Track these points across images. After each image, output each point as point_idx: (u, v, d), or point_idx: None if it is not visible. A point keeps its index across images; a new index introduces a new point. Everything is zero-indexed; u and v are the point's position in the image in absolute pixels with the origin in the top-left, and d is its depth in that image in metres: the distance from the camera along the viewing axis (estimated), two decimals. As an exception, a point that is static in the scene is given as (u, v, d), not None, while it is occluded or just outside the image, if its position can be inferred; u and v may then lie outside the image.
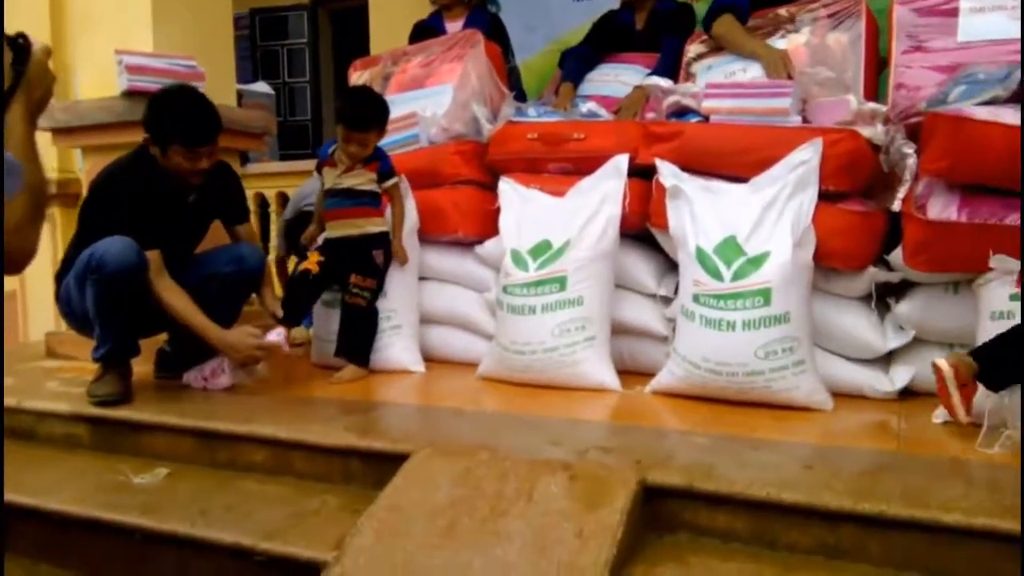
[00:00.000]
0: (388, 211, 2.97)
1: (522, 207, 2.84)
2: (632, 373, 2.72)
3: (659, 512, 1.78)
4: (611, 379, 2.60)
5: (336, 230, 2.89)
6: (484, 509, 1.77)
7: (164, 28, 3.37)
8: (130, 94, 3.13)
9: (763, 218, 2.38)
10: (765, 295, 2.29)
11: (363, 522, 1.80)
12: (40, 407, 2.67)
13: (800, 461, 1.90)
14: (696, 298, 2.39)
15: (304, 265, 2.92)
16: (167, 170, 2.61)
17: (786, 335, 2.29)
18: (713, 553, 1.71)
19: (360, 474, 2.13)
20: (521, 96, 3.54)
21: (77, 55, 3.48)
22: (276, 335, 2.73)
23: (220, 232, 2.96)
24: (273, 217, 4.84)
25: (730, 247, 2.37)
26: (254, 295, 2.93)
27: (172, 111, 2.58)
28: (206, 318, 2.66)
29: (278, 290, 3.24)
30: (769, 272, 2.30)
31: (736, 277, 2.33)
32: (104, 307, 2.52)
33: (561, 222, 2.69)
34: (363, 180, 2.86)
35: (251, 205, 5.56)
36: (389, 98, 3.47)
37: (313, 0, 7.64)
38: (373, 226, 2.89)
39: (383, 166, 2.88)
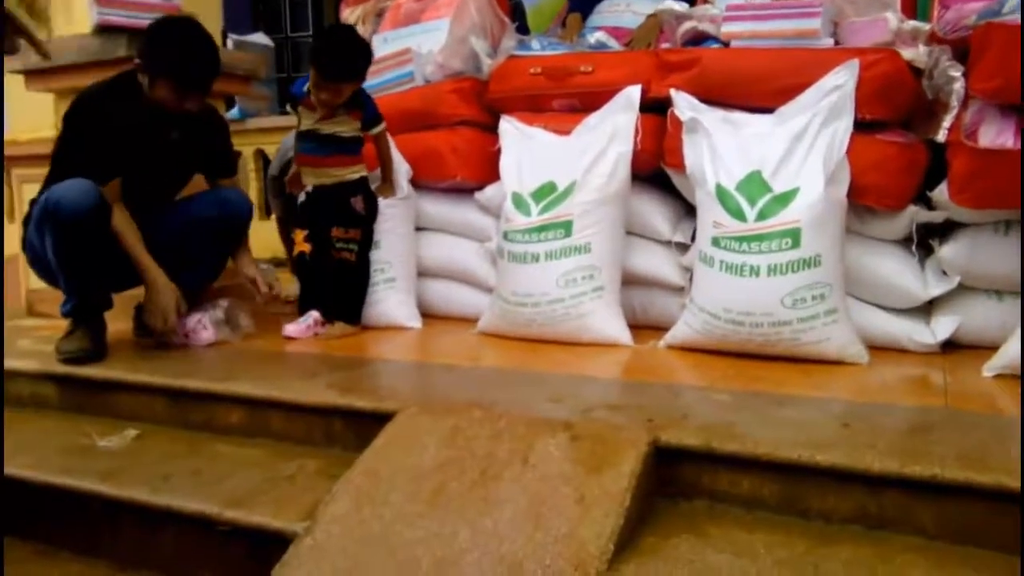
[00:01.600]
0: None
1: (524, 146, 2.60)
2: (644, 328, 2.50)
3: (673, 476, 1.56)
4: (621, 333, 2.37)
5: (310, 177, 2.67)
6: (474, 473, 1.56)
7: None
8: (102, 30, 2.90)
9: (791, 151, 2.12)
10: (793, 236, 2.04)
11: (339, 488, 1.60)
12: (6, 366, 2.48)
13: (835, 419, 1.67)
14: (716, 241, 2.15)
15: (296, 249, 2.71)
16: (150, 101, 2.39)
17: (816, 280, 2.05)
18: (736, 523, 1.49)
19: (343, 436, 1.93)
20: (524, 32, 3.27)
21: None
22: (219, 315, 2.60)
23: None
24: (275, 175, 4.61)
25: (754, 184, 2.12)
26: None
27: (170, 44, 2.35)
28: (150, 257, 2.45)
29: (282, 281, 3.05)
30: (798, 210, 2.06)
31: (761, 217, 2.08)
32: (65, 256, 2.32)
33: (566, 162, 2.45)
34: (346, 128, 2.61)
35: (251, 162, 5.39)
36: (382, 35, 3.24)
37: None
38: (351, 173, 2.66)
39: (368, 113, 2.63)
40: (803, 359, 2.09)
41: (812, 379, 1.98)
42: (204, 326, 2.57)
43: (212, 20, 3.47)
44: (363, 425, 1.85)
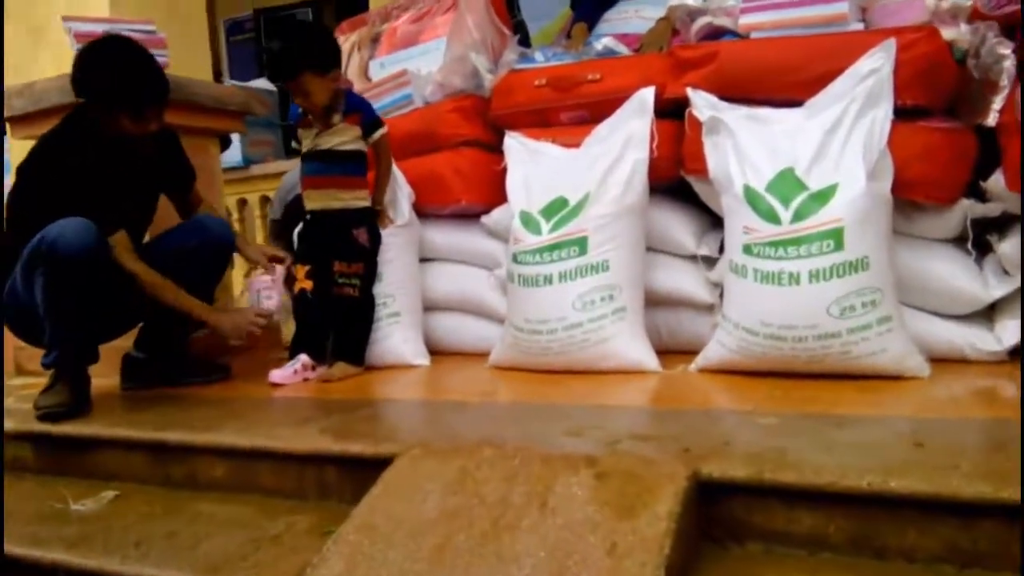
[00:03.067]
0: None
1: (531, 163, 2.41)
2: (673, 352, 2.27)
3: (720, 516, 1.32)
4: (647, 358, 2.14)
5: (314, 201, 2.48)
6: (484, 523, 1.33)
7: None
8: (83, 68, 2.76)
9: (826, 144, 1.91)
10: (836, 237, 1.82)
11: (330, 548, 1.37)
12: (-17, 427, 2.29)
13: (905, 438, 1.42)
14: (748, 249, 1.93)
15: (298, 286, 2.51)
16: (110, 137, 2.23)
17: (865, 286, 1.81)
18: (798, 568, 1.24)
19: (338, 487, 1.70)
20: (527, 47, 3.10)
21: (37, 29, 3.11)
22: (268, 283, 2.47)
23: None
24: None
25: (787, 182, 1.90)
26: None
27: (112, 70, 2.19)
28: (193, 297, 2.31)
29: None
30: (839, 208, 1.83)
31: (797, 218, 1.86)
32: (55, 300, 2.14)
33: (577, 175, 2.25)
34: (347, 138, 2.44)
35: (256, 209, 5.26)
36: (379, 60, 3.10)
37: (317, -4, 7.31)
38: (356, 200, 2.47)
39: (367, 116, 2.46)
40: (856, 375, 1.85)
41: (869, 396, 1.73)
42: (268, 296, 2.49)
43: (198, 47, 3.34)
44: (360, 473, 1.63)
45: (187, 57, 2.38)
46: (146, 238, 2.55)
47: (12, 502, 1.96)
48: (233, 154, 5.17)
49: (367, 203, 2.50)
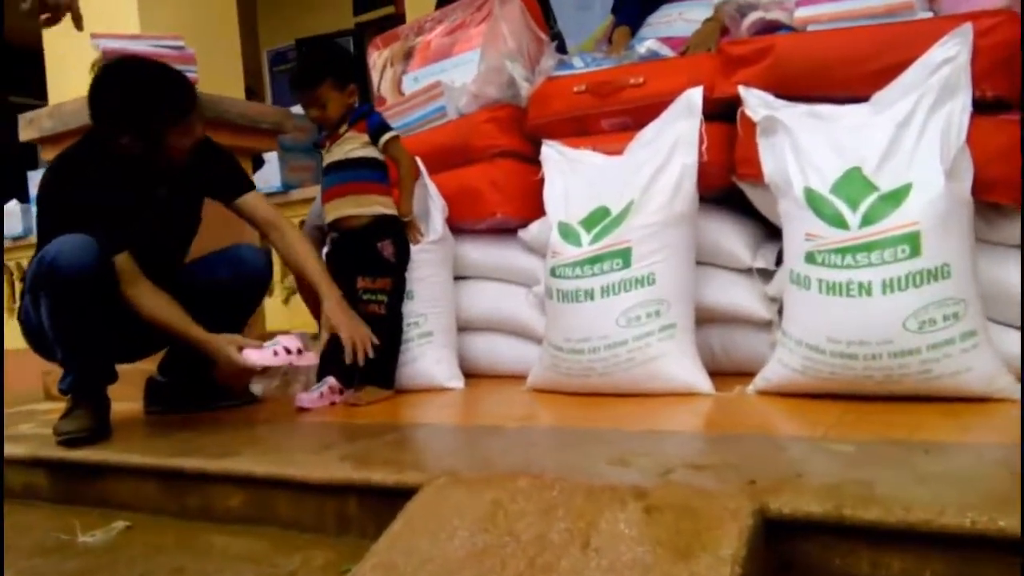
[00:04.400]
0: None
1: (570, 172, 2.26)
2: (727, 373, 2.08)
3: (793, 559, 1.13)
4: (699, 379, 1.96)
5: (333, 211, 2.38)
6: (519, 564, 1.16)
7: (151, 10, 2.95)
8: (112, 86, 2.70)
9: (897, 141, 1.72)
10: (912, 242, 1.62)
11: (344, 590, 1.21)
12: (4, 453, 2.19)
13: (1006, 469, 1.22)
14: (811, 257, 1.74)
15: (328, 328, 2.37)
16: (127, 159, 2.12)
17: (947, 296, 1.61)
18: (888, 624, 1.05)
19: (359, 519, 1.55)
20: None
21: (66, 48, 3.07)
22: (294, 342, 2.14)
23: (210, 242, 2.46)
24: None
25: (854, 183, 1.72)
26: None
27: (122, 91, 2.07)
28: (199, 328, 2.13)
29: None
30: (915, 210, 1.64)
31: (867, 221, 1.68)
32: (61, 323, 2.03)
33: (620, 182, 2.09)
34: (355, 144, 2.36)
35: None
36: (412, 74, 3.00)
37: (358, 24, 7.31)
38: (379, 206, 2.36)
39: (372, 121, 2.37)
40: (937, 397, 1.64)
41: (957, 421, 1.53)
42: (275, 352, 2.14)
43: (230, 63, 3.26)
44: (382, 504, 1.48)
45: (219, 74, 2.29)
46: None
47: (18, 532, 1.84)
48: (272, 179, 5.13)
49: (391, 211, 2.38)
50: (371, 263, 2.31)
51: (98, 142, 2.13)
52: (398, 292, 2.36)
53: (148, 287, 2.12)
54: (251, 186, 2.38)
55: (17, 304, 2.33)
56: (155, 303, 2.11)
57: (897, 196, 1.67)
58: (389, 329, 2.33)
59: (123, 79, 2.09)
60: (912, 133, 1.72)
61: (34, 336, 2.21)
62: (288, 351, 2.08)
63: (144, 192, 2.18)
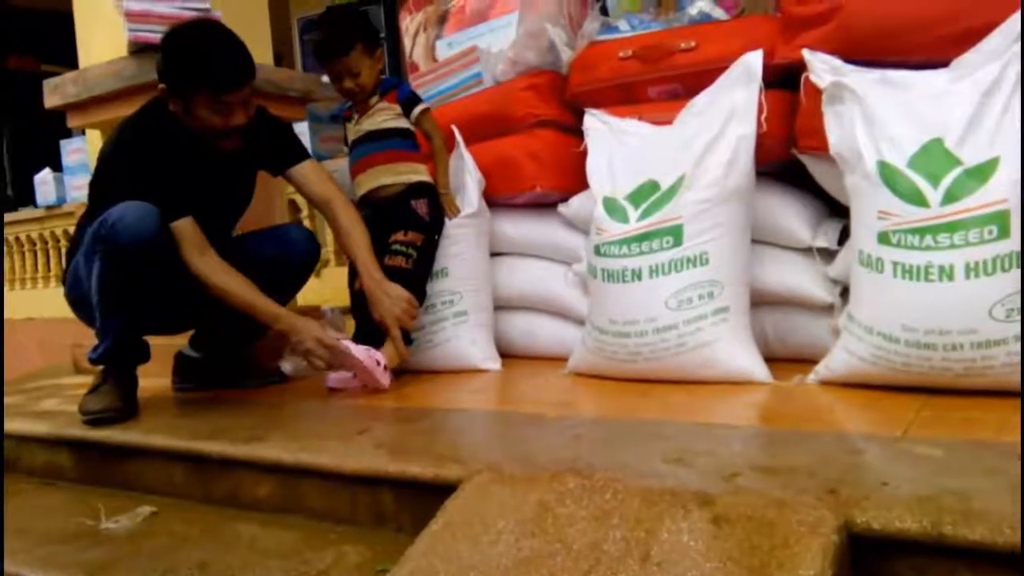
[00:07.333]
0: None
1: (615, 143, 2.12)
2: (783, 360, 1.95)
3: (880, 580, 1.02)
4: (755, 366, 1.83)
5: (365, 184, 2.29)
6: (570, 574, 1.05)
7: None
8: (138, 50, 2.60)
9: (982, 110, 1.57)
10: (1000, 221, 1.48)
11: (379, 597, 1.12)
12: (21, 429, 2.13)
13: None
14: (884, 237, 1.60)
15: (357, 283, 2.24)
16: (189, 129, 2.04)
17: (1037, 282, 1.47)
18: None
19: (395, 513, 1.46)
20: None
21: (94, 12, 2.97)
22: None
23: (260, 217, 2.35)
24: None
25: (935, 156, 1.57)
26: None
27: (190, 50, 1.98)
28: (272, 301, 2.05)
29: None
30: (1003, 187, 1.49)
31: (949, 199, 1.53)
32: (110, 288, 1.97)
33: (670, 155, 1.95)
34: (387, 116, 2.28)
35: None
36: (447, 40, 2.86)
37: (388, -8, 7.15)
38: (413, 173, 2.27)
39: (402, 92, 2.30)
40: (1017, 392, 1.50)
41: (1050, 420, 1.39)
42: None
43: (258, 28, 3.15)
44: (420, 498, 1.39)
45: (245, 39, 2.18)
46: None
47: (38, 515, 1.79)
48: (303, 150, 5.02)
49: (426, 178, 2.29)
50: (404, 219, 2.23)
51: (157, 111, 2.06)
52: (426, 253, 2.23)
53: (215, 256, 2.04)
54: (305, 155, 2.28)
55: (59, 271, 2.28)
56: (226, 273, 2.02)
57: (983, 171, 1.52)
58: (411, 285, 2.18)
59: (205, 38, 2.01)
60: (998, 102, 1.56)
61: (79, 302, 2.15)
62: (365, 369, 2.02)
63: (203, 162, 2.09)
